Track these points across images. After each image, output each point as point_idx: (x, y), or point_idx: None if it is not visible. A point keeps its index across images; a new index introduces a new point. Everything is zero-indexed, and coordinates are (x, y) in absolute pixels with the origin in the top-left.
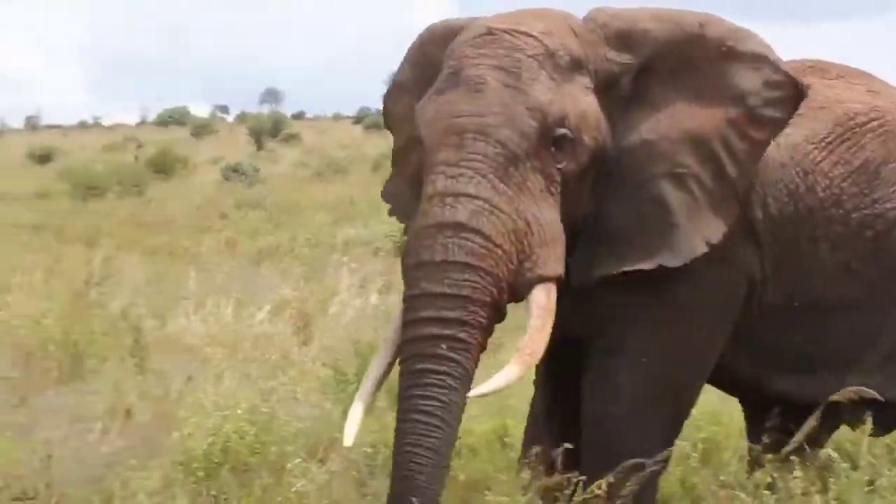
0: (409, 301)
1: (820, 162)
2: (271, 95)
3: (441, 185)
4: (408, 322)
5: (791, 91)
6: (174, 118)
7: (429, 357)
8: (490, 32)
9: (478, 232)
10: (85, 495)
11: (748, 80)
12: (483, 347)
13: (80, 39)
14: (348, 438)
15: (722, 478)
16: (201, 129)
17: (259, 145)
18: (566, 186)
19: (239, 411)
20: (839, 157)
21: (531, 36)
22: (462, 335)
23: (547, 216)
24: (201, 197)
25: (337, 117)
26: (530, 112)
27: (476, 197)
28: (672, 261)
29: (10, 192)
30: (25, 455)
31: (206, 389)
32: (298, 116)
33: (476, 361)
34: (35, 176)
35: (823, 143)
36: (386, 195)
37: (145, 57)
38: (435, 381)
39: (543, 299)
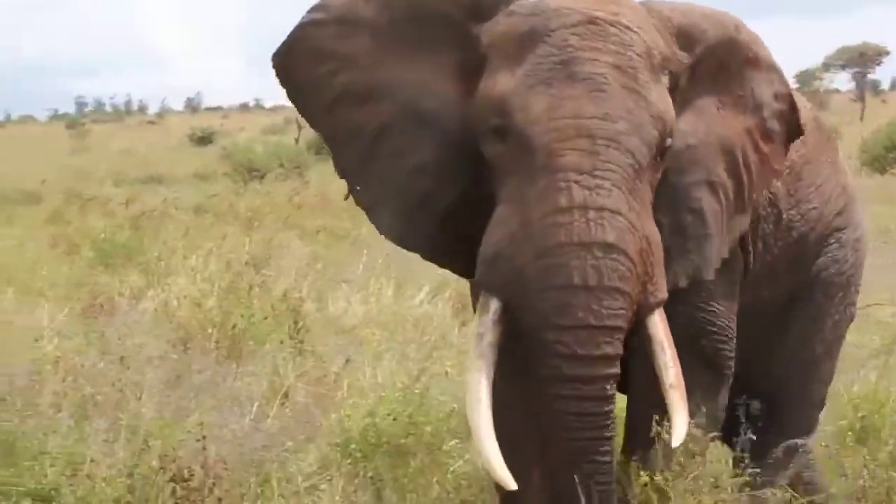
0: (555, 332)
1: None
2: None
3: (579, 197)
4: (565, 357)
5: (789, 106)
6: None
7: (602, 400)
8: (593, 21)
9: (625, 254)
10: (242, 477)
11: (764, 90)
12: None
13: (240, 18)
14: (511, 482)
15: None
16: None
17: None
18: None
19: (397, 393)
20: None
21: (632, 30)
22: (614, 370)
23: (655, 232)
24: None
25: None
26: (654, 121)
27: (618, 213)
28: (706, 273)
29: (172, 175)
30: (182, 436)
31: (365, 371)
32: None
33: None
34: (196, 158)
35: None
36: (374, 211)
37: None
38: (604, 424)
39: (664, 326)
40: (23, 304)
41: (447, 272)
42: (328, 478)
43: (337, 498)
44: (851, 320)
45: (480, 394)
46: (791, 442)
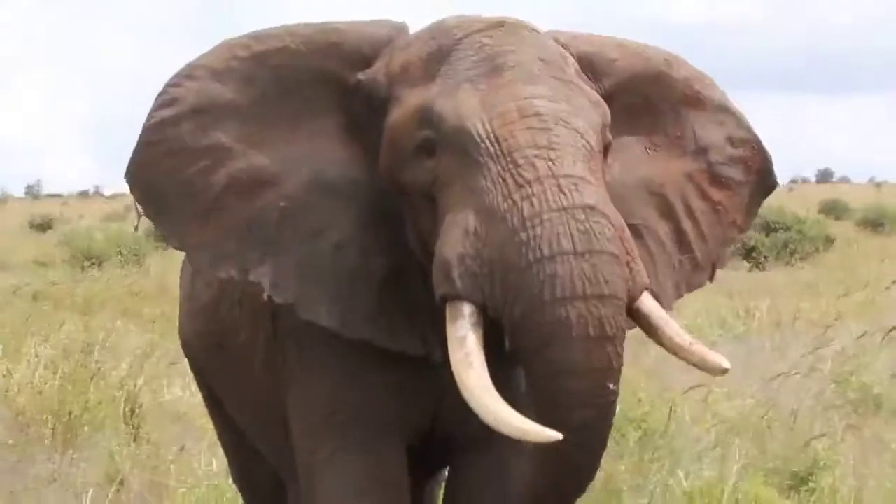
0: (554, 307)
1: None
2: None
3: (544, 168)
4: (561, 340)
5: (754, 153)
6: None
7: (602, 406)
8: (502, 24)
9: (607, 217)
10: None
11: (712, 132)
12: None
13: (83, 108)
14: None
15: None
16: None
17: None
18: None
19: (229, 480)
20: None
21: (543, 34)
22: (618, 361)
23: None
24: None
25: None
26: (594, 106)
27: (588, 181)
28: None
29: (11, 261)
30: None
31: (199, 459)
32: None
33: None
34: (35, 244)
35: None
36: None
37: None
38: (604, 436)
39: (657, 303)
40: None
41: None
42: None
43: None
44: None
45: (489, 396)
46: None
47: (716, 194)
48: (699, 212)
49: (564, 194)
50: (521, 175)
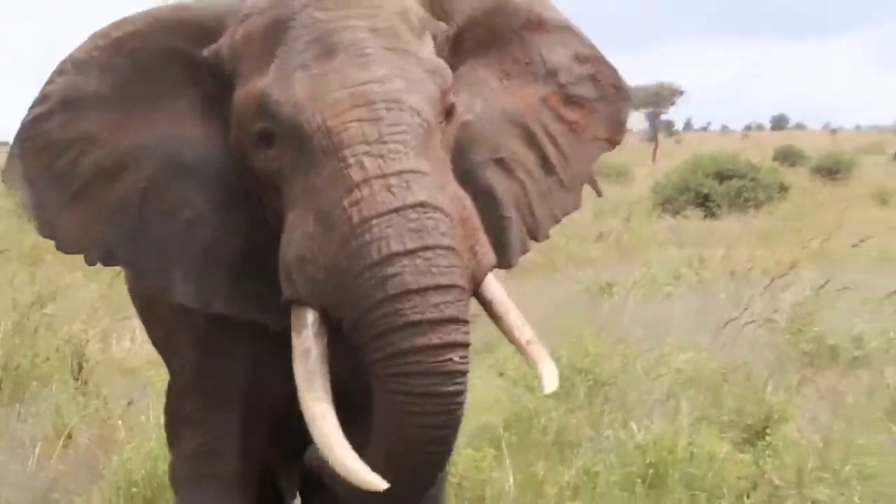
0: (396, 301)
1: None
2: None
3: (373, 167)
4: (401, 326)
5: (599, 66)
6: None
7: (447, 375)
8: None
9: (442, 210)
10: None
11: (558, 53)
12: None
13: (38, 49)
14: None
15: None
16: None
17: None
18: None
19: None
20: None
21: None
22: (462, 336)
23: (464, 193)
24: None
25: None
26: (430, 75)
27: (421, 172)
28: (509, 261)
29: None
30: None
31: (148, 413)
32: None
33: None
34: None
35: None
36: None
37: None
38: (454, 407)
39: (501, 288)
40: None
41: None
42: None
43: None
44: None
45: (326, 423)
46: None
47: (570, 115)
48: (559, 135)
49: (394, 195)
50: (350, 177)
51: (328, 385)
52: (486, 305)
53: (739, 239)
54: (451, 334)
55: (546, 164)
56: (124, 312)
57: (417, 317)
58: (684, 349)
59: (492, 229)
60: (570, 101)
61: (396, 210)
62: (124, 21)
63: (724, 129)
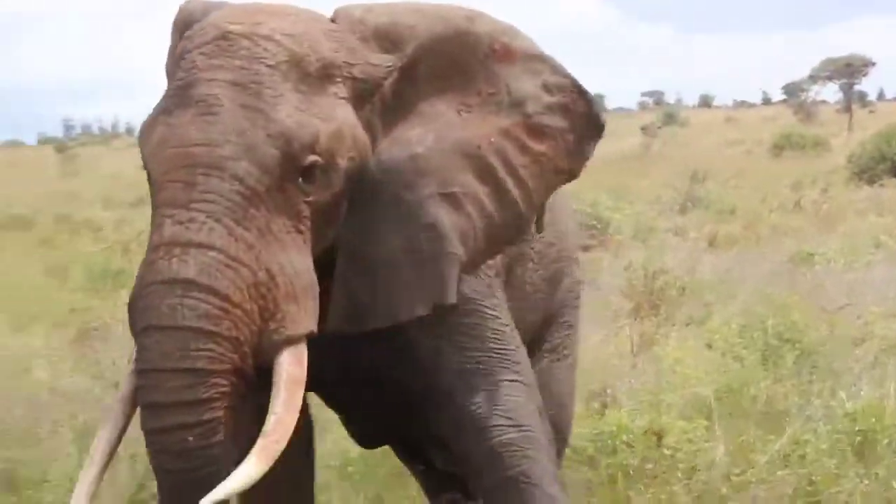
0: (141, 377)
1: None
2: None
3: (168, 233)
4: (144, 406)
5: (573, 96)
6: None
7: (177, 455)
8: (225, 37)
9: (211, 290)
10: None
11: (525, 83)
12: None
13: None
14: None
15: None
16: None
17: None
18: (317, 221)
19: None
20: None
21: (272, 40)
22: (207, 416)
23: (296, 263)
24: None
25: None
26: (272, 140)
27: (210, 247)
28: (447, 298)
29: None
30: None
31: None
32: None
33: (230, 429)
34: None
35: None
36: None
37: None
38: (190, 478)
39: (293, 367)
40: (15, 331)
41: None
42: (326, 501)
43: None
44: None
45: (96, 455)
46: None
47: (537, 145)
48: (521, 167)
49: (171, 266)
50: (153, 238)
51: (121, 426)
52: (272, 382)
53: None
54: (183, 416)
55: (502, 198)
56: None
57: (153, 398)
58: (886, 316)
59: (434, 267)
60: (537, 131)
61: (165, 282)
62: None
63: None
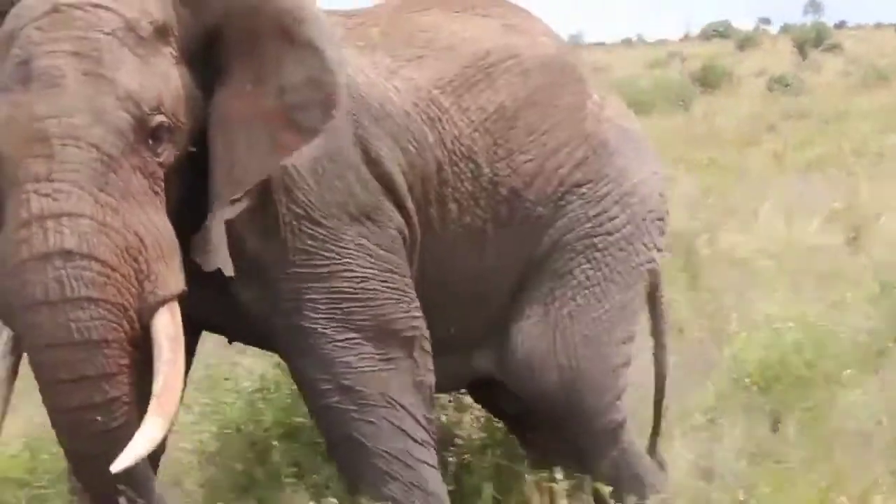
0: (36, 354)
1: (448, 109)
2: (813, 6)
3: (37, 207)
4: (44, 384)
5: (327, 98)
6: (718, 32)
7: (87, 438)
8: (56, 9)
9: (91, 257)
10: None
11: (293, 71)
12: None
13: None
14: None
15: None
16: (745, 42)
17: (803, 56)
18: (167, 180)
19: (790, 324)
20: (469, 103)
21: (105, 8)
22: (113, 392)
23: (158, 223)
24: (747, 110)
25: (878, 26)
26: (121, 103)
27: (81, 215)
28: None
29: None
30: None
31: (758, 304)
32: (840, 26)
33: (133, 401)
34: None
35: (451, 88)
36: None
37: None
38: (95, 466)
39: (171, 327)
40: None
41: (837, 202)
42: (724, 412)
43: (737, 432)
44: (647, 279)
45: None
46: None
47: (287, 138)
48: (263, 154)
49: (47, 239)
50: (20, 215)
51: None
52: (153, 343)
53: None
54: (90, 393)
55: (232, 170)
56: (731, 205)
57: (56, 375)
58: None
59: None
60: (293, 125)
61: (45, 256)
62: None
63: None
